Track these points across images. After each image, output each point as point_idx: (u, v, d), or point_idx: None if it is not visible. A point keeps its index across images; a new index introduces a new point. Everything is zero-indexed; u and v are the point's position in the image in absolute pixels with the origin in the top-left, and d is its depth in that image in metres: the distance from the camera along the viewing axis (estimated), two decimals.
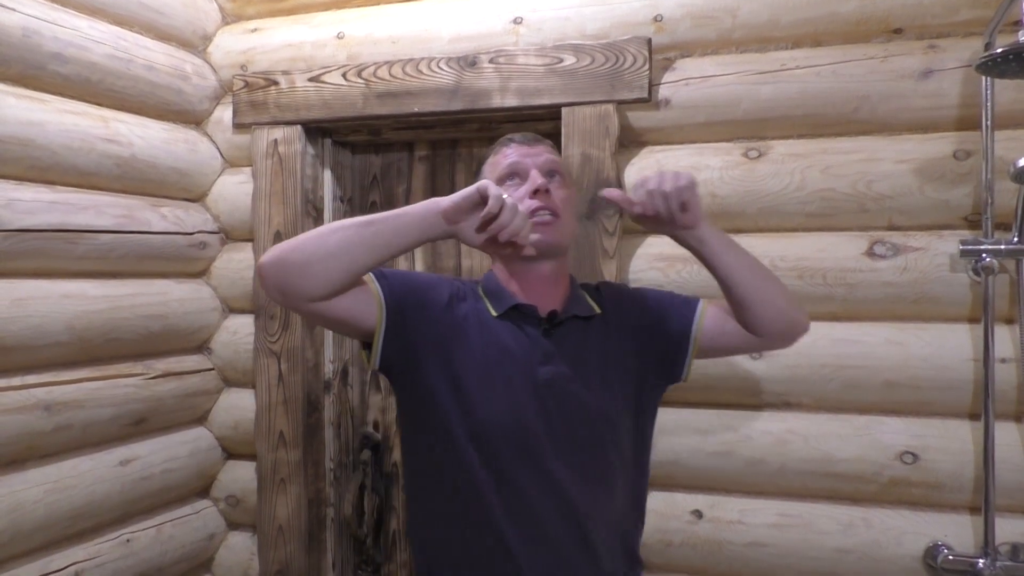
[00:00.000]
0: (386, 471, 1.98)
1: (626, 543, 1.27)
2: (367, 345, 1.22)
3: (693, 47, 1.65)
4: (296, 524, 1.87)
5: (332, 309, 1.13)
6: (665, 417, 1.59)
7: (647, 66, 1.62)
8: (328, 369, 1.97)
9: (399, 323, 1.19)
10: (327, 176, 1.98)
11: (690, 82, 1.63)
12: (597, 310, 1.30)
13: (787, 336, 1.30)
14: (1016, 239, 1.41)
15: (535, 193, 1.22)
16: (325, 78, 1.84)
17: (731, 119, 1.61)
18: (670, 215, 1.13)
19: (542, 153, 1.29)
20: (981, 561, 1.43)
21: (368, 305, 1.17)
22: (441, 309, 1.23)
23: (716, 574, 1.62)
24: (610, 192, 1.18)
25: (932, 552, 1.47)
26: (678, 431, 1.63)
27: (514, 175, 1.26)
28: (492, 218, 1.09)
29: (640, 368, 1.29)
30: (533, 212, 1.20)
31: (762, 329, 1.26)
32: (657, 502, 1.62)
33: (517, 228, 1.10)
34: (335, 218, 1.98)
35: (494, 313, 1.24)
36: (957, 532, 1.48)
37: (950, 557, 1.45)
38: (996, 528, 1.43)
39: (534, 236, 1.19)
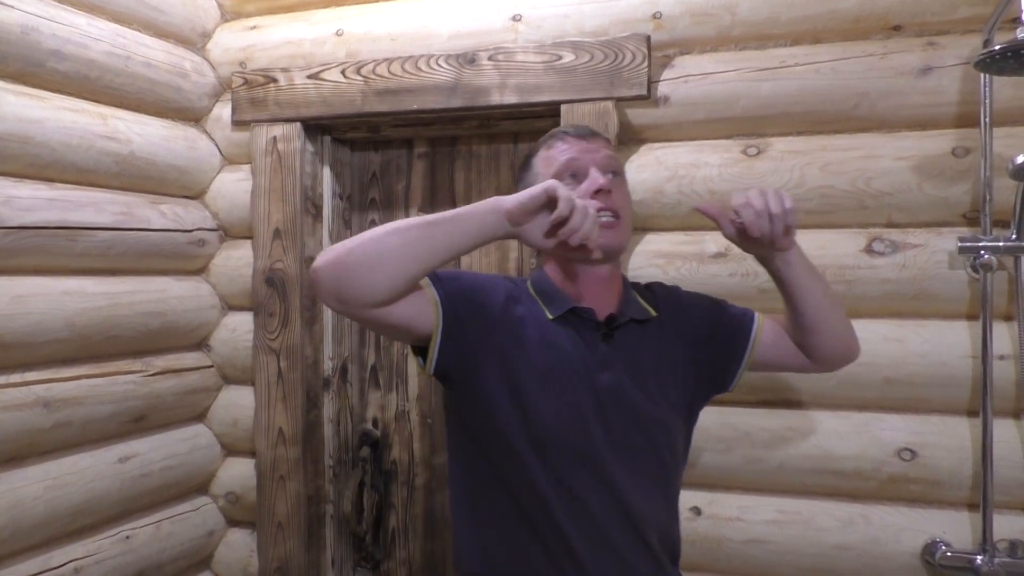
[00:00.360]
0: (385, 468, 1.98)
1: (674, 547, 1.26)
2: (420, 350, 1.17)
3: (692, 44, 1.65)
4: (295, 521, 1.87)
5: (390, 315, 1.07)
6: None
7: (646, 63, 1.62)
8: (327, 366, 1.97)
9: (456, 327, 1.14)
10: (326, 173, 1.98)
11: (689, 79, 1.63)
12: (653, 313, 1.27)
13: (840, 363, 1.30)
14: (1014, 236, 1.41)
15: (596, 193, 1.17)
16: (324, 75, 1.84)
17: (730, 116, 1.61)
18: (772, 237, 1.11)
19: (600, 149, 1.23)
20: (979, 557, 1.43)
21: (424, 309, 1.12)
22: (498, 311, 1.18)
23: (715, 571, 1.62)
24: (706, 207, 1.15)
25: (930, 549, 1.48)
26: None
27: (571, 172, 1.20)
28: (562, 221, 1.05)
29: (693, 375, 1.27)
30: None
31: (821, 354, 1.26)
32: None
33: (588, 231, 1.05)
34: (334, 215, 1.99)
35: (550, 316, 1.19)
36: (955, 529, 1.48)
37: (948, 554, 1.45)
38: (994, 525, 1.43)
39: (600, 240, 1.13)
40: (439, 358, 1.14)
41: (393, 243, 1.03)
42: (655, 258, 1.65)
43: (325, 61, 1.86)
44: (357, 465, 1.98)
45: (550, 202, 1.06)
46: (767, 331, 1.29)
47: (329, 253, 1.04)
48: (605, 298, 1.23)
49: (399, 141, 1.97)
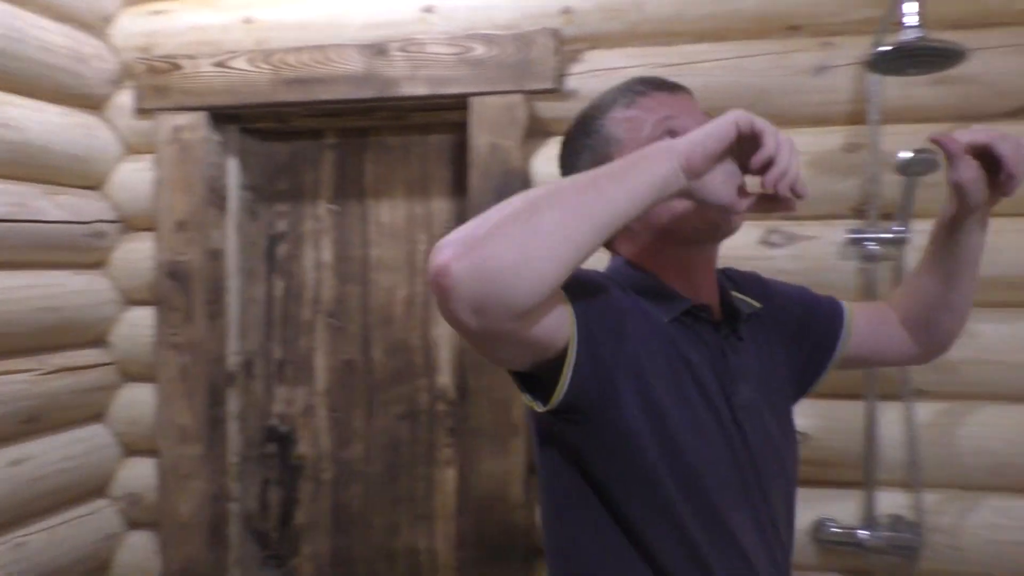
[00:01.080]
0: (292, 464, 2.01)
1: None
2: (527, 379, 0.92)
3: (601, 40, 1.74)
4: (199, 521, 1.88)
5: (530, 328, 0.81)
6: None
7: (556, 57, 1.69)
8: (232, 361, 1.99)
9: (592, 341, 0.89)
10: (233, 164, 2.00)
11: (598, 74, 1.72)
12: (757, 305, 1.10)
13: (945, 350, 1.19)
14: (899, 228, 1.53)
15: None
16: (231, 63, 1.86)
17: None
18: (1016, 180, 0.95)
19: (694, 104, 1.03)
20: (864, 532, 1.54)
21: (561, 319, 0.86)
22: (625, 317, 0.94)
23: None
24: (946, 140, 0.96)
25: (819, 526, 1.58)
26: None
27: (669, 132, 0.97)
28: (768, 164, 0.83)
29: (787, 380, 1.12)
30: None
31: (943, 337, 1.16)
32: None
33: (797, 173, 0.82)
34: (241, 207, 2.01)
35: (665, 319, 0.97)
36: (844, 506, 1.59)
37: (834, 529, 1.56)
38: (879, 502, 1.55)
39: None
40: (572, 384, 0.88)
41: (549, 222, 0.77)
42: None
43: (233, 49, 1.89)
44: (263, 461, 2.00)
45: (742, 140, 0.83)
46: (859, 323, 1.16)
47: (459, 246, 0.74)
48: (712, 290, 1.04)
49: (309, 132, 2.01)
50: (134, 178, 1.97)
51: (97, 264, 1.97)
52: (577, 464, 0.96)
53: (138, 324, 1.97)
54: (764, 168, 0.83)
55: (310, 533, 2.00)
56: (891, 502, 1.58)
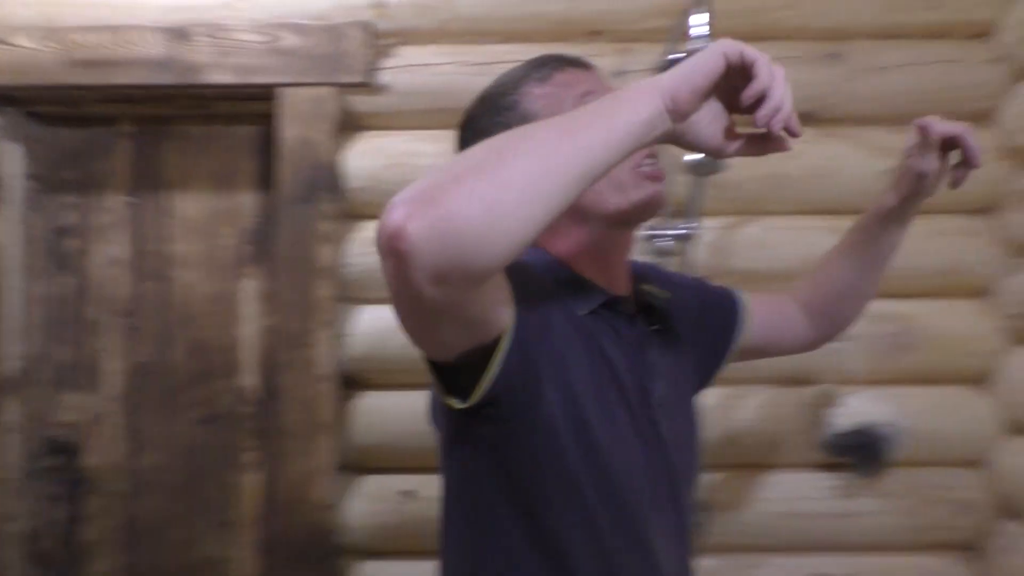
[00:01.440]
0: (78, 477, 1.92)
1: None
2: (444, 375, 0.86)
3: (413, 35, 1.78)
4: None
5: (483, 302, 0.77)
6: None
7: (368, 51, 1.73)
8: (10, 367, 1.86)
9: (524, 330, 0.84)
10: (14, 150, 1.88)
11: (410, 69, 1.77)
12: (665, 295, 1.07)
13: (836, 338, 1.27)
14: (688, 225, 1.68)
15: None
16: (12, 39, 1.75)
17: (448, 107, 1.73)
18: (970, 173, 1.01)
19: (605, 82, 1.00)
20: None
21: (505, 299, 0.82)
22: (551, 308, 0.90)
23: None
24: (928, 124, 1.01)
25: None
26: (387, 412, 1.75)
27: None
28: (761, 99, 0.76)
29: (693, 373, 1.12)
30: (638, 163, 0.93)
31: (842, 324, 1.23)
32: (370, 485, 1.75)
33: (791, 108, 0.77)
34: (23, 198, 1.90)
35: (580, 312, 0.93)
36: None
37: None
38: None
39: (652, 190, 0.94)
40: (501, 373, 0.82)
41: (518, 174, 0.70)
42: (370, 245, 1.77)
43: (14, 23, 1.78)
44: (45, 476, 1.90)
45: (730, 73, 0.76)
46: (756, 313, 1.19)
47: (414, 203, 0.67)
48: (626, 282, 1.02)
49: (102, 118, 1.93)
50: None
51: None
52: (493, 466, 0.90)
53: None
54: (755, 104, 0.77)
55: (100, 550, 1.90)
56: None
